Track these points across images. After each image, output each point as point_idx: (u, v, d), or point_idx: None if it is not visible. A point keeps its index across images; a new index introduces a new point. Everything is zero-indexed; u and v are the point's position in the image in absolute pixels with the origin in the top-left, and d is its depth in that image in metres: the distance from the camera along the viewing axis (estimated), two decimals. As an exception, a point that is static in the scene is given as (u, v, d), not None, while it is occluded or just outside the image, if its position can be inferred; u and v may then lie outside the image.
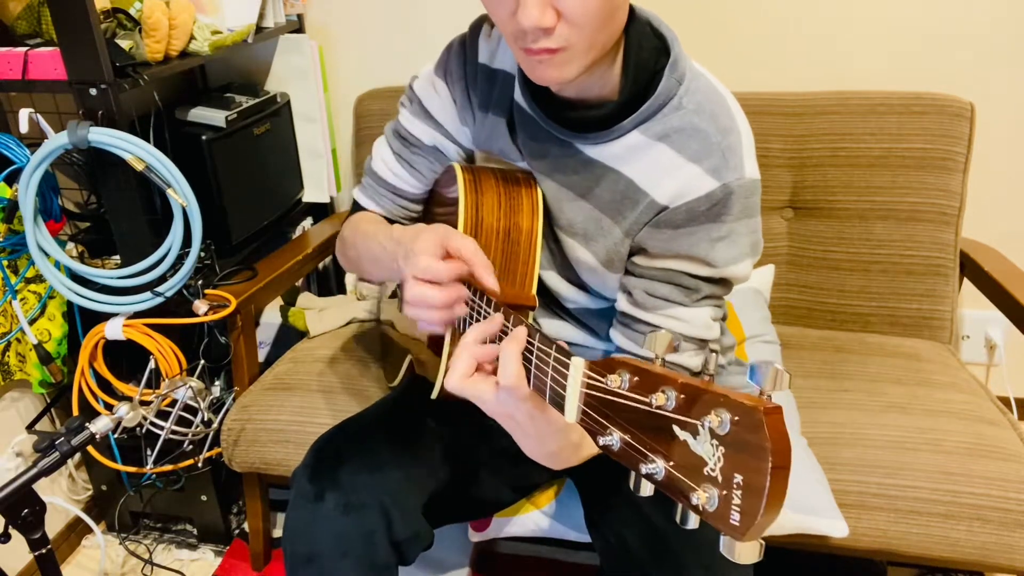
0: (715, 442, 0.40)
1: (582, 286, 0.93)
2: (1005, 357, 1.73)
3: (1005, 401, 1.69)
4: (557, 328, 0.99)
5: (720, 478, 0.39)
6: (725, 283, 0.83)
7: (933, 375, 1.32)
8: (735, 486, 0.38)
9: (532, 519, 1.15)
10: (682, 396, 0.42)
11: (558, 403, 0.56)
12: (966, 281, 1.49)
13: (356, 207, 1.05)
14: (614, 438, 0.47)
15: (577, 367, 0.53)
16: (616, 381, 0.48)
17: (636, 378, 0.47)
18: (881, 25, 1.53)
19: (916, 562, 1.24)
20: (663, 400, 0.43)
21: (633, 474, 0.45)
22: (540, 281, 0.95)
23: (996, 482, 1.07)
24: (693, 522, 0.42)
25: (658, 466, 0.43)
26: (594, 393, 0.51)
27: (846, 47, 1.56)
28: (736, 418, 0.38)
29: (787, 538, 1.11)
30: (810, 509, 1.07)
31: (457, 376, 0.64)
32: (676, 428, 0.42)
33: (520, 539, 1.52)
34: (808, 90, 1.47)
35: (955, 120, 1.39)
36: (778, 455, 0.37)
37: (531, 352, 0.60)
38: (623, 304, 0.86)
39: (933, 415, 1.20)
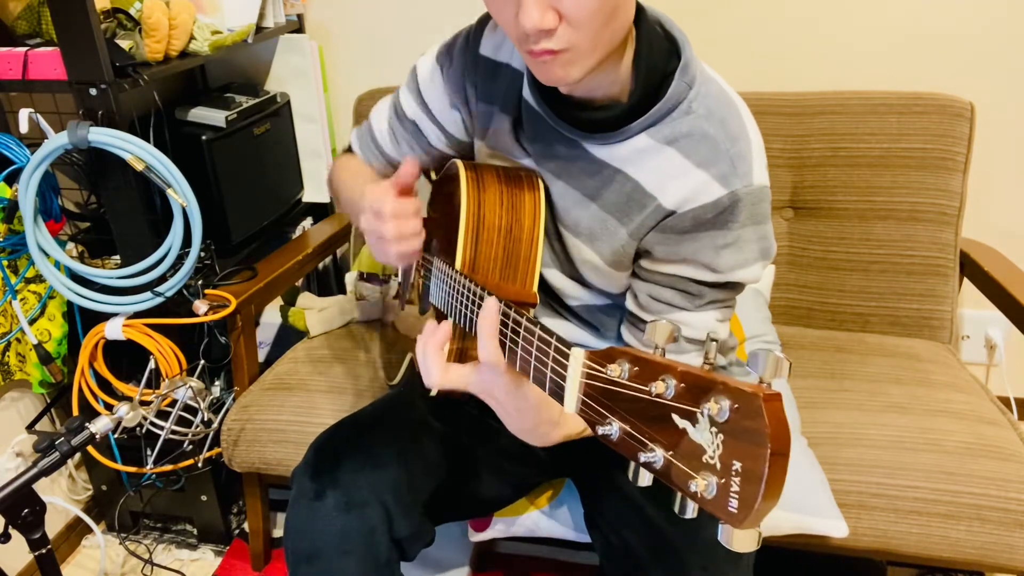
0: (714, 429, 0.39)
1: (585, 283, 0.93)
2: (1005, 357, 1.73)
3: (1005, 401, 1.69)
4: (558, 327, 0.98)
5: (719, 465, 0.39)
6: (732, 287, 0.82)
7: (933, 375, 1.32)
8: (734, 473, 0.38)
9: (532, 519, 1.15)
10: (682, 384, 0.42)
11: (558, 394, 0.55)
12: (966, 281, 1.49)
13: (349, 148, 1.10)
14: (613, 427, 0.47)
15: (577, 358, 0.53)
16: (616, 371, 0.48)
17: (636, 368, 0.46)
18: (881, 25, 1.53)
19: (916, 562, 1.24)
20: (662, 388, 0.43)
21: (632, 464, 0.45)
22: (543, 279, 0.95)
23: (996, 482, 1.08)
24: (691, 511, 0.41)
25: (657, 455, 0.43)
26: (594, 383, 0.51)
27: (846, 47, 1.56)
28: (736, 405, 0.38)
29: (787, 538, 1.11)
30: (810, 509, 1.07)
31: (435, 376, 0.68)
32: (675, 416, 0.42)
33: (520, 539, 1.52)
34: (808, 90, 1.47)
35: (955, 120, 1.39)
36: (777, 441, 0.36)
37: (531, 344, 0.60)
38: (630, 304, 0.87)
39: (933, 415, 1.20)
